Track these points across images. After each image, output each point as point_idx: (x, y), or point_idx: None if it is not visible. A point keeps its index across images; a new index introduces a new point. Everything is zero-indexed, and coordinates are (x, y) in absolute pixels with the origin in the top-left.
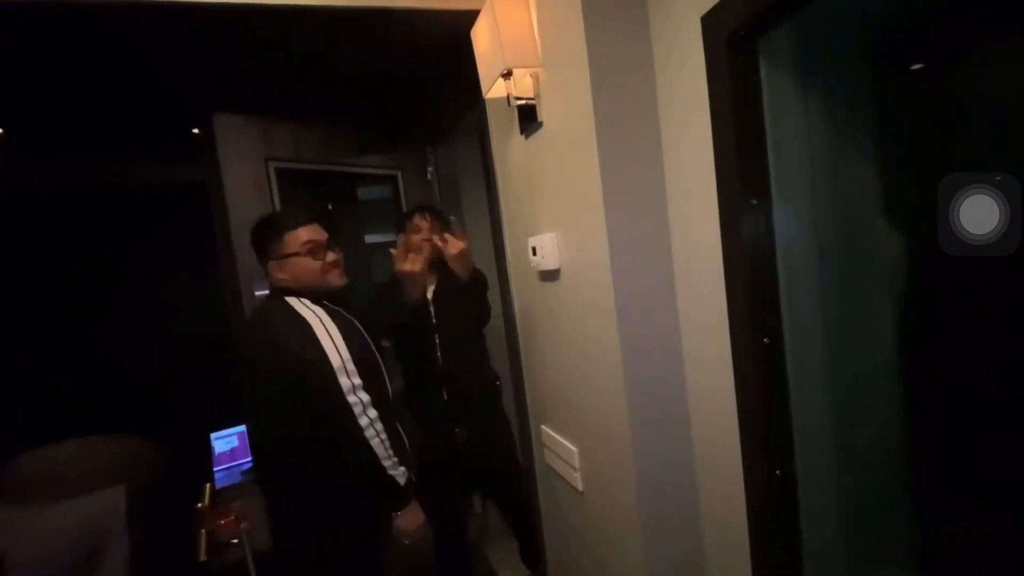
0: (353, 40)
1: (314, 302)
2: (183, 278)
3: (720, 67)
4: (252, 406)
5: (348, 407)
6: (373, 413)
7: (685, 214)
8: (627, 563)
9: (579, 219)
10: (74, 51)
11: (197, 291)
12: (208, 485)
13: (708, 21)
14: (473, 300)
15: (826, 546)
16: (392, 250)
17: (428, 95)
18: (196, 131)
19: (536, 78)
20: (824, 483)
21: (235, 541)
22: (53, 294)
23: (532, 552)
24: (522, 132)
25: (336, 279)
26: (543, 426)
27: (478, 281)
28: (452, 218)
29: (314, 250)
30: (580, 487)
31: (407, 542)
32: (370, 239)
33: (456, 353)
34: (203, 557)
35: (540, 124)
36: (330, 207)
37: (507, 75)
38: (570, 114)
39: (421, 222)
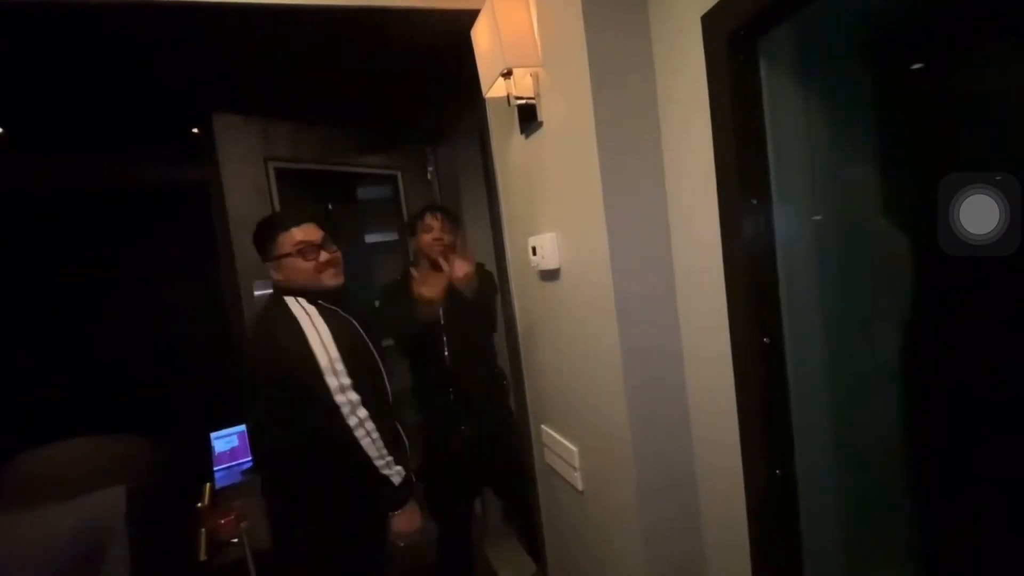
0: (353, 40)
1: (309, 301)
2: (183, 278)
3: (720, 67)
4: (251, 405)
5: (335, 406)
6: (363, 412)
7: (685, 214)
8: (627, 563)
9: (579, 219)
10: (74, 51)
11: (197, 291)
12: (208, 485)
13: (708, 21)
14: (482, 308)
15: (826, 546)
16: (412, 271)
17: (428, 95)
18: (196, 131)
19: (536, 78)
20: (824, 483)
21: (235, 540)
22: (53, 294)
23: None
24: (522, 132)
25: (330, 279)
26: (543, 426)
27: (486, 285)
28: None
29: (306, 250)
30: (580, 487)
31: (403, 544)
32: (370, 239)
33: (464, 353)
34: (203, 556)
35: (540, 124)
36: (330, 207)
37: (507, 75)
38: (570, 114)
39: (432, 221)
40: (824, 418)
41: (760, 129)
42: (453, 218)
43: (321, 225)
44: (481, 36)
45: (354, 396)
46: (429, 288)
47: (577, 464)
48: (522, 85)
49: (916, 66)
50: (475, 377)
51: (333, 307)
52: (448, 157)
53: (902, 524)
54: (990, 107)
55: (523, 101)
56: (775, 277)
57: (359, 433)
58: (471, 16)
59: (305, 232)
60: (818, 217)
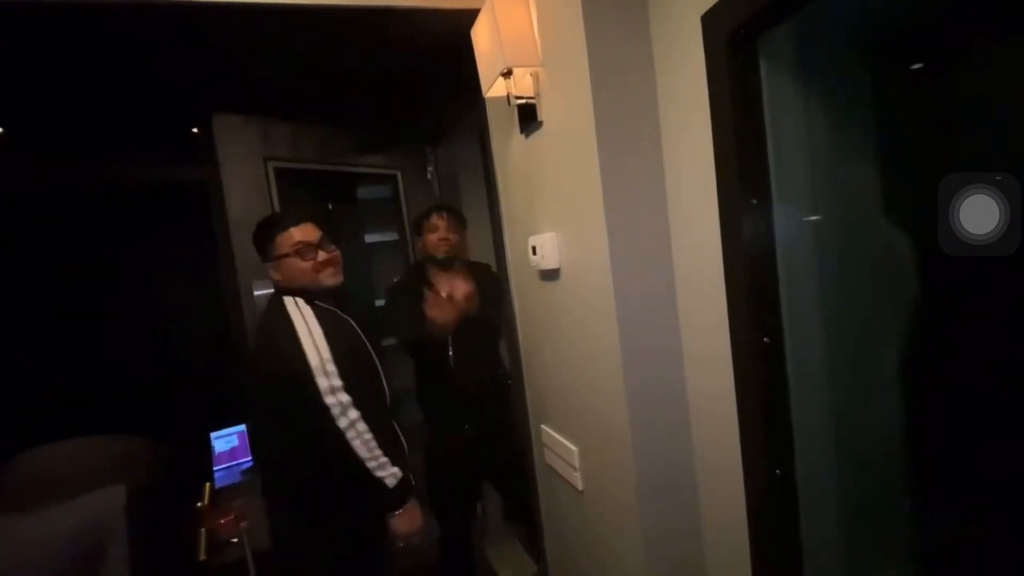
0: (353, 39)
1: (307, 302)
2: (183, 278)
3: (720, 66)
4: (252, 405)
5: (326, 407)
6: (355, 414)
7: (685, 214)
8: (627, 562)
9: (579, 218)
10: (74, 51)
11: (197, 291)
12: (208, 484)
13: (708, 20)
14: (488, 315)
15: (826, 546)
16: (427, 292)
17: (428, 95)
18: (196, 131)
19: (536, 77)
20: (824, 483)
21: (235, 540)
22: (53, 294)
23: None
24: (522, 131)
25: (328, 278)
26: (543, 425)
27: (493, 289)
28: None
29: (303, 250)
30: (580, 486)
31: (402, 545)
32: (370, 238)
33: (469, 355)
34: (203, 556)
35: (540, 123)
36: (330, 207)
37: (507, 74)
38: (570, 113)
39: (438, 221)
40: (824, 418)
41: (760, 129)
42: (459, 218)
43: (319, 224)
44: (481, 36)
45: (345, 397)
46: (442, 315)
47: (577, 464)
48: (522, 85)
49: (916, 66)
50: (479, 379)
51: (331, 307)
52: (448, 157)
53: (902, 524)
54: (990, 107)
55: (523, 101)
56: (775, 277)
57: (350, 435)
58: (471, 16)
59: (303, 232)
60: (818, 217)
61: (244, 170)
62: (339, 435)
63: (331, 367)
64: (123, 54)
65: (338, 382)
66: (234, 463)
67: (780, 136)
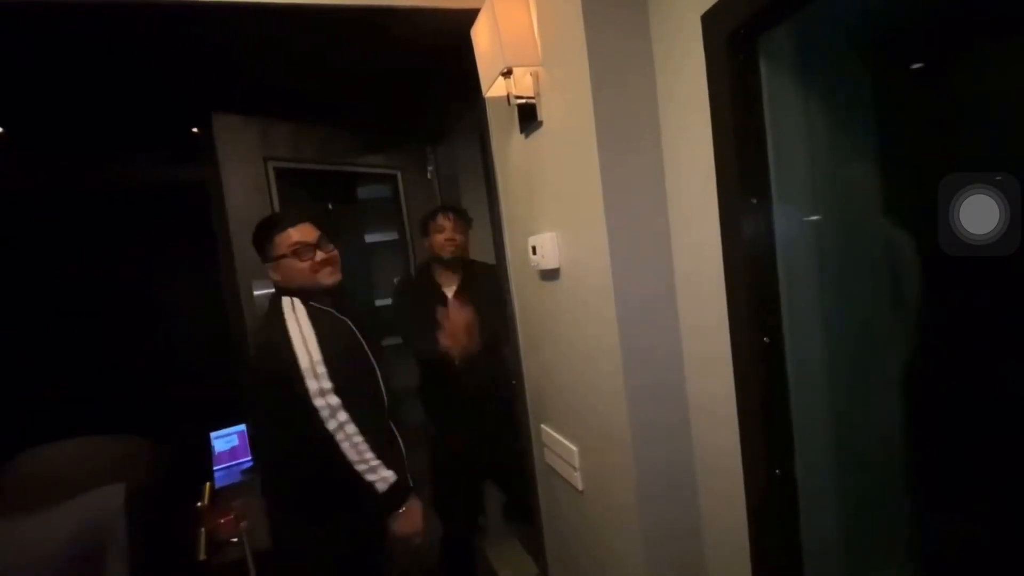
0: (353, 39)
1: (303, 302)
2: (183, 278)
3: (720, 66)
4: (252, 405)
5: (314, 409)
6: (344, 416)
7: (685, 214)
8: (627, 562)
9: (579, 218)
10: (74, 50)
11: (197, 291)
12: (208, 484)
13: (708, 20)
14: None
15: (826, 546)
16: (441, 319)
17: (428, 94)
18: (196, 131)
19: (536, 77)
20: (824, 483)
21: (235, 540)
22: (53, 294)
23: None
24: (522, 131)
25: (326, 277)
26: (543, 425)
27: (494, 283)
28: None
29: (300, 251)
30: (580, 486)
31: (402, 545)
32: (370, 238)
33: (476, 357)
34: (203, 556)
35: (540, 123)
36: (330, 207)
37: (507, 74)
38: (570, 113)
39: (445, 222)
40: (824, 418)
41: (760, 129)
42: (464, 217)
43: (317, 224)
44: (481, 35)
45: (334, 400)
46: (456, 343)
47: (577, 464)
48: (522, 84)
49: (916, 66)
50: (484, 378)
51: (327, 308)
52: (448, 157)
53: (902, 524)
54: (990, 107)
55: (523, 100)
56: (775, 277)
57: (339, 437)
58: (471, 15)
59: (300, 232)
60: (818, 217)
61: (244, 170)
62: (329, 438)
63: (321, 369)
64: (123, 54)
65: (328, 384)
66: (234, 463)
67: (780, 136)
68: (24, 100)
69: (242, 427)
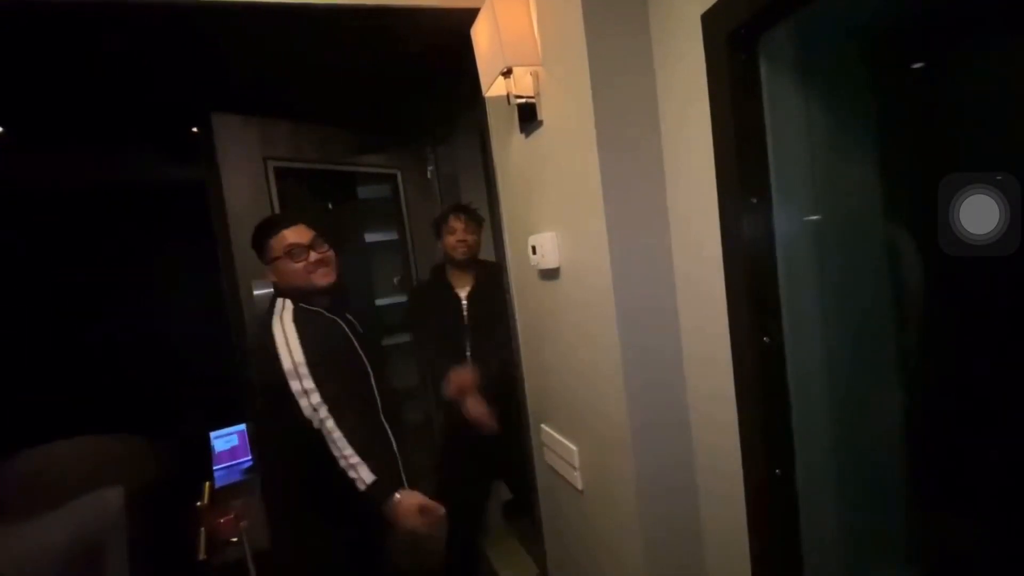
0: (353, 39)
1: (294, 303)
2: (183, 278)
3: (720, 65)
4: (252, 404)
5: (299, 409)
6: (324, 413)
7: (685, 213)
8: (627, 562)
9: (579, 218)
10: (74, 50)
11: (197, 291)
12: (208, 484)
13: (708, 19)
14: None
15: (826, 546)
16: (452, 374)
17: (428, 94)
18: (195, 130)
19: (536, 76)
20: (824, 483)
21: (235, 540)
22: (53, 294)
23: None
24: (522, 131)
25: (321, 278)
26: (543, 425)
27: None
28: None
29: (295, 252)
30: (580, 486)
31: (407, 544)
32: (370, 238)
33: (488, 350)
34: (203, 556)
35: (540, 123)
36: (330, 207)
37: (507, 73)
38: (570, 113)
39: (456, 223)
40: (824, 418)
41: (760, 128)
42: (477, 219)
43: (312, 225)
44: (481, 35)
45: (316, 399)
46: (477, 412)
47: (577, 464)
48: (522, 84)
49: (916, 65)
50: (496, 377)
51: (318, 309)
52: (448, 157)
53: (902, 524)
54: (990, 107)
55: (523, 100)
56: (775, 277)
57: (323, 435)
58: (471, 15)
59: (295, 234)
60: (818, 217)
61: (244, 170)
62: (313, 436)
63: (304, 370)
64: (123, 53)
65: (310, 384)
66: (234, 463)
67: (780, 136)
68: (24, 100)
69: (242, 427)
